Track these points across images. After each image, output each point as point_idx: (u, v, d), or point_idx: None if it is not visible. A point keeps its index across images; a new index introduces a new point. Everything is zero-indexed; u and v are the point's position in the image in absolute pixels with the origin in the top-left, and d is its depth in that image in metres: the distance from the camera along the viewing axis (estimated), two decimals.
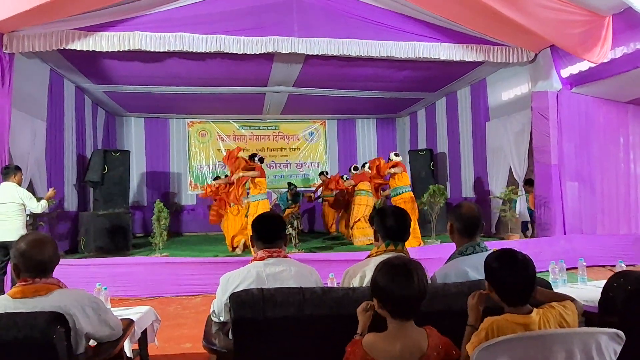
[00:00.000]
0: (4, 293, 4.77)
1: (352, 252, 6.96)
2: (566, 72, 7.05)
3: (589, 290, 2.96)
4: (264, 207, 7.23)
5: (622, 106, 7.80)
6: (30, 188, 6.51)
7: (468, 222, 2.29)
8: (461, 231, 2.31)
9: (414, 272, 1.62)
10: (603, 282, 2.21)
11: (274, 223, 2.37)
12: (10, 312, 1.86)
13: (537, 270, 1.73)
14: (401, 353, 1.59)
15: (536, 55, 7.37)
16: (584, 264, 3.36)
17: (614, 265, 3.50)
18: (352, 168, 9.58)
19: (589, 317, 2.14)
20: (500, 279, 1.70)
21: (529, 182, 8.19)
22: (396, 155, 8.27)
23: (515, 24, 6.12)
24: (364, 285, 2.16)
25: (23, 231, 5.07)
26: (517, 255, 1.70)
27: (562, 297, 1.77)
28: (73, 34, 5.99)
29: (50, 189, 5.90)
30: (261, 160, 7.78)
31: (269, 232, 2.32)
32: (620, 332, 1.52)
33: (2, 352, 1.79)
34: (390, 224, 2.30)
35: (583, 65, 6.68)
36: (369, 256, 2.35)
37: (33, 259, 1.97)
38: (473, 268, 2.20)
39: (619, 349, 1.53)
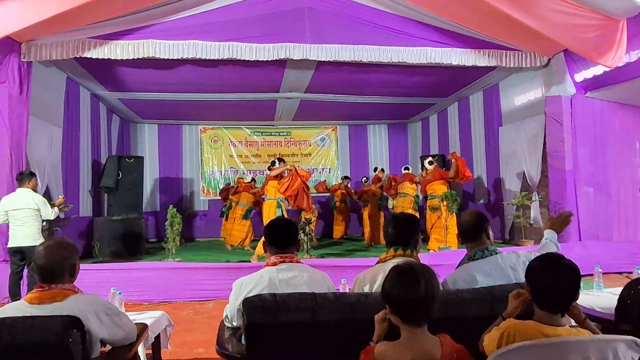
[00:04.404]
0: (20, 297, 4.87)
1: (363, 258, 6.93)
2: (580, 76, 6.98)
3: (605, 297, 2.92)
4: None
5: (638, 111, 7.68)
6: (47, 194, 6.61)
7: (463, 227, 2.44)
8: (462, 236, 2.46)
9: (420, 275, 1.58)
10: (619, 290, 2.17)
11: (287, 229, 2.38)
12: (27, 316, 1.88)
13: None
14: None
15: (549, 59, 7.30)
16: (600, 270, 3.31)
17: (631, 272, 3.45)
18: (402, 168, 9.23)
19: (605, 325, 2.11)
20: (536, 279, 1.67)
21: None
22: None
23: (528, 29, 6.07)
24: (373, 290, 2.16)
25: (39, 236, 5.13)
26: (562, 260, 1.67)
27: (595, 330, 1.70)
28: (89, 42, 6.11)
29: (59, 196, 5.97)
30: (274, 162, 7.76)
31: (282, 238, 2.33)
32: (639, 340, 1.50)
33: (19, 356, 1.81)
34: (390, 231, 2.32)
35: (597, 70, 6.61)
36: (379, 261, 2.35)
37: (41, 266, 2.00)
38: (482, 273, 2.22)
39: (637, 357, 1.51)
